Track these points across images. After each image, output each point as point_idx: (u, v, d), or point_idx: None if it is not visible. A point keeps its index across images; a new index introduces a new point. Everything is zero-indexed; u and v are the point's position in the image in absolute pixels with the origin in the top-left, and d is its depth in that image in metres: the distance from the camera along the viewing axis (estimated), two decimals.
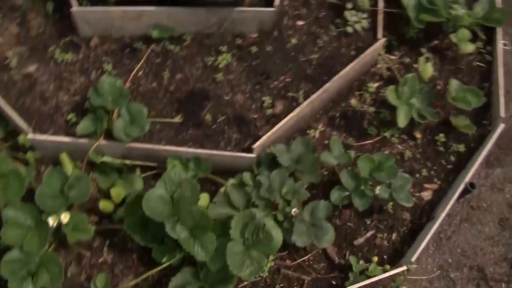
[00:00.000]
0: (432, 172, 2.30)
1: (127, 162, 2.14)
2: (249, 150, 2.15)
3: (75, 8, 2.32)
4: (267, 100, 2.33)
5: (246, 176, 2.10)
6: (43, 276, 1.89)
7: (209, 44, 2.46)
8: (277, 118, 2.27)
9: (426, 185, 2.27)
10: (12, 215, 1.92)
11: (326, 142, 2.31)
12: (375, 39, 2.48)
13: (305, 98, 2.29)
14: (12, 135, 2.21)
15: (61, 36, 2.44)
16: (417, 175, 2.28)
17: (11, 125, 2.21)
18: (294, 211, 2.01)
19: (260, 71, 2.41)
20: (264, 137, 2.16)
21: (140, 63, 2.37)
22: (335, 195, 2.12)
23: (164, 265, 1.94)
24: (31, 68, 2.36)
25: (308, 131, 2.34)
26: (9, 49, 2.39)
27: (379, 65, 2.51)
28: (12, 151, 2.19)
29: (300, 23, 2.56)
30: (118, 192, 2.08)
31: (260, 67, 2.42)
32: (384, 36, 2.50)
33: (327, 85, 2.30)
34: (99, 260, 2.05)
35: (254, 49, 2.45)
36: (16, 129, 2.19)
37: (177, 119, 2.26)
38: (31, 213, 1.94)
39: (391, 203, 2.18)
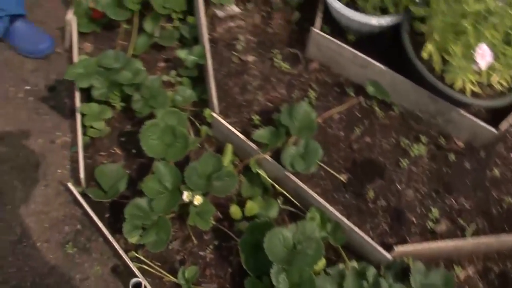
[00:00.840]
0: None
1: (276, 186, 2.13)
2: (388, 247, 2.00)
3: (314, 29, 2.36)
4: (435, 212, 2.14)
5: (371, 271, 1.94)
6: (151, 237, 1.97)
7: (412, 126, 2.33)
8: (434, 235, 2.08)
9: None
10: (161, 170, 2.03)
11: None
12: None
13: (474, 235, 2.07)
14: (201, 104, 2.35)
15: (289, 45, 2.52)
16: None
17: (205, 95, 2.34)
18: None
19: (444, 181, 2.22)
20: (410, 246, 1.99)
21: (341, 108, 2.34)
22: None
23: None
24: (250, 58, 2.47)
25: (455, 266, 2.10)
26: (243, 34, 2.54)
27: None
28: (193, 117, 2.32)
29: None
30: (252, 206, 2.08)
31: (447, 177, 2.23)
32: None
33: (505, 237, 2.04)
34: (200, 253, 2.08)
35: (452, 156, 2.27)
36: (207, 101, 2.31)
37: (343, 177, 2.19)
38: (175, 178, 2.03)
39: None
